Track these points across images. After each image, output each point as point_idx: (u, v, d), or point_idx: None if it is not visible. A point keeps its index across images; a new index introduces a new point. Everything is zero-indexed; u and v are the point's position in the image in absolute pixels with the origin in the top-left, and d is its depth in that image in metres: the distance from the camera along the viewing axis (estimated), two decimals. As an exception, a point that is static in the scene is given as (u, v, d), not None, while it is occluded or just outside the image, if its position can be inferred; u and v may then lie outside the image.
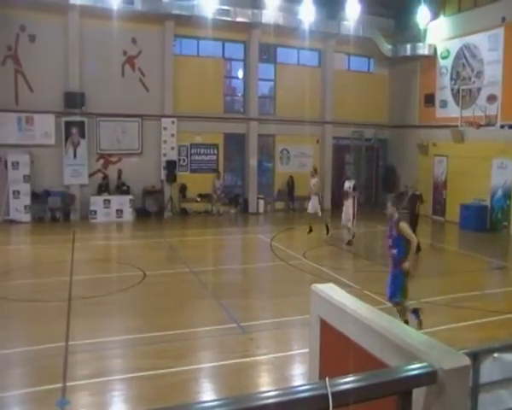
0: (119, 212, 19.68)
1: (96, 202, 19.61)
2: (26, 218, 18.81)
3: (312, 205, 16.90)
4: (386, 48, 23.70)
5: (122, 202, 19.81)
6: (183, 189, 21.59)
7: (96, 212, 19.48)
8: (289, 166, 23.82)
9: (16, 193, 18.81)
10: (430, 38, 22.67)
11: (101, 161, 20.68)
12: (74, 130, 19.90)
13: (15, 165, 18.81)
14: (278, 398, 1.83)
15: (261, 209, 22.74)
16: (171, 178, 20.84)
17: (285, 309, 9.77)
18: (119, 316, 9.40)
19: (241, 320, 8.93)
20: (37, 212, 19.15)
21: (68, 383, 6.58)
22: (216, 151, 22.50)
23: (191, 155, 22.10)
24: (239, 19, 21.29)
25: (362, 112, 23.74)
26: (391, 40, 23.86)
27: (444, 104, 21.94)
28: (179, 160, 21.64)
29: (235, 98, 24.13)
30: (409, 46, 22.94)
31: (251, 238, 18.05)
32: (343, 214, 15.98)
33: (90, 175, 20.25)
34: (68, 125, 19.82)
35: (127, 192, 20.18)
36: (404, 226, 7.94)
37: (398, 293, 8.02)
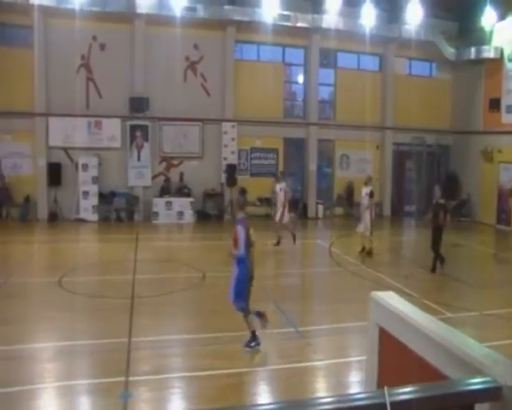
0: (180, 214, 20.15)
1: (159, 204, 20.16)
2: (94, 217, 19.62)
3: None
4: (449, 51, 23.10)
5: (183, 204, 20.27)
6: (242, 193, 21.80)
7: (158, 213, 20.04)
8: (349, 171, 23.62)
9: (85, 193, 19.68)
10: (496, 40, 21.90)
11: (164, 163, 21.25)
12: (138, 133, 20.56)
13: (85, 167, 19.69)
14: (335, 405, 1.81)
15: (320, 214, 22.67)
16: (232, 181, 21.12)
17: (343, 315, 9.73)
18: (178, 316, 9.67)
19: (298, 325, 8.97)
20: (103, 212, 19.94)
21: (131, 378, 6.83)
22: (275, 156, 22.64)
23: (251, 159, 22.33)
24: (299, 24, 21.35)
25: (423, 117, 23.22)
26: (454, 43, 23.22)
27: (511, 109, 21.14)
28: (239, 164, 21.90)
29: (295, 103, 24.19)
30: (473, 49, 22.25)
31: (309, 243, 18.03)
32: (361, 221, 15.07)
33: (153, 177, 20.84)
34: (133, 128, 20.51)
35: (188, 195, 20.64)
36: (238, 230, 7.71)
37: (237, 298, 7.88)
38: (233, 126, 21.52)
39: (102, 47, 20.30)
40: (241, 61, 21.94)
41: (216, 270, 12.67)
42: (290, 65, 23.48)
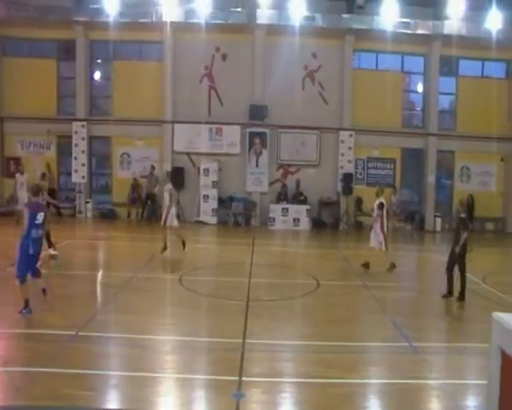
0: (296, 221, 20.39)
1: (275, 210, 20.56)
2: (213, 220, 20.52)
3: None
4: None
5: (299, 211, 20.50)
6: (358, 202, 21.60)
7: (274, 219, 20.45)
8: (469, 184, 22.48)
9: (206, 197, 20.66)
10: None
11: (281, 170, 21.65)
12: (257, 140, 21.15)
13: (206, 172, 20.68)
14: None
15: (438, 227, 21.78)
16: (348, 190, 20.99)
17: (461, 334, 9.32)
18: (292, 321, 9.81)
19: (413, 340, 8.72)
20: (222, 216, 20.78)
21: (244, 378, 7.05)
22: (393, 166, 22.12)
23: (368, 168, 22.02)
24: (419, 31, 20.75)
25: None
26: None
27: None
28: (356, 173, 21.70)
29: (414, 113, 23.51)
30: None
31: (426, 257, 17.42)
32: (372, 235, 14.11)
33: (270, 184, 21.31)
34: (252, 135, 21.15)
35: (304, 202, 20.83)
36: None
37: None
38: (350, 135, 21.38)
39: (224, 57, 21.23)
40: (358, 70, 21.77)
41: (331, 278, 12.72)
42: (409, 73, 22.89)
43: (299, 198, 20.90)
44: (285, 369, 7.73)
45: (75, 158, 21.70)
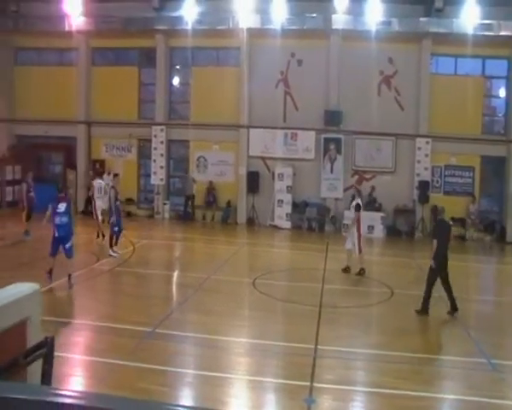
0: (371, 228, 20.08)
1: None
2: (287, 225, 20.65)
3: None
4: None
5: (374, 218, 20.17)
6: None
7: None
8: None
9: (280, 202, 20.84)
10: None
11: (356, 177, 21.41)
12: (332, 146, 21.05)
13: (280, 176, 20.86)
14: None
15: (520, 239, 20.71)
16: (424, 198, 20.45)
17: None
18: (365, 329, 9.71)
19: (492, 356, 8.38)
20: (295, 220, 20.85)
21: (315, 384, 7.08)
22: (472, 174, 21.28)
23: (445, 176, 21.34)
24: (503, 32, 19.64)
25: None
26: None
27: None
28: (432, 180, 21.08)
29: (495, 119, 22.44)
30: None
31: (507, 269, 16.64)
32: (348, 237, 13.74)
33: (345, 190, 21.11)
34: (327, 141, 21.07)
35: (379, 209, 20.50)
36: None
37: None
38: (427, 142, 20.81)
39: (300, 63, 21.30)
40: (436, 75, 21.10)
41: (405, 288, 12.45)
42: (491, 77, 21.84)
43: (373, 205, 20.59)
44: (356, 377, 7.70)
45: (154, 161, 22.52)
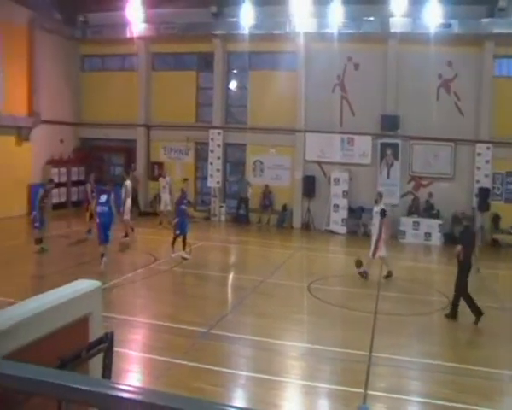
0: (428, 235, 19.62)
1: (406, 223, 19.97)
2: (342, 230, 20.48)
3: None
4: None
5: (431, 225, 19.69)
6: (496, 219, 20.22)
7: (404, 232, 19.86)
8: None
9: (336, 207, 20.70)
10: None
11: (413, 183, 20.97)
12: (389, 151, 20.70)
13: (337, 181, 20.73)
14: None
15: None
16: (484, 206, 19.75)
17: None
18: (420, 338, 9.51)
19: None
20: (351, 226, 20.64)
21: (369, 392, 7.01)
22: (535, 181, 20.36)
23: (507, 183, 20.52)
24: None
25: None
26: None
27: None
28: (493, 188, 20.32)
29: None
30: None
31: None
32: (371, 243, 13.39)
33: (402, 196, 20.72)
34: (383, 146, 20.74)
35: (436, 216, 19.98)
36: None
37: None
38: (488, 148, 20.07)
39: (356, 67, 21.09)
40: (499, 78, 20.31)
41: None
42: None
43: (430, 212, 20.08)
44: (411, 387, 7.56)
45: (211, 163, 22.86)
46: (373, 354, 8.29)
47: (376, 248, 13.12)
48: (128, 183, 17.52)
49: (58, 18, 23.71)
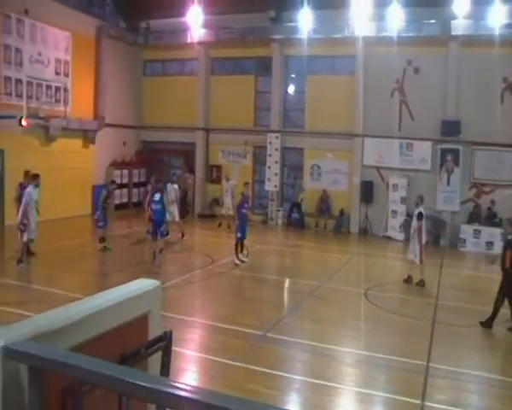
0: (489, 244, 18.92)
1: (466, 231, 19.35)
2: (400, 236, 20.06)
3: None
4: None
5: (493, 234, 18.94)
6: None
7: (465, 240, 19.26)
8: None
9: (394, 212, 20.33)
10: None
11: (474, 190, 20.28)
12: (449, 157, 20.12)
13: (395, 187, 20.36)
14: None
15: None
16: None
17: None
18: (479, 350, 9.27)
19: None
20: (409, 232, 20.13)
21: (426, 403, 6.86)
22: None
23: None
24: None
25: None
26: None
27: None
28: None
29: None
30: None
31: None
32: (410, 246, 13.33)
33: (462, 203, 20.10)
34: (444, 152, 20.17)
35: (498, 224, 19.20)
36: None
37: None
38: (554, 155, 19.14)
39: (416, 70, 20.64)
40: None
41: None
42: None
43: (492, 220, 19.34)
44: (470, 401, 7.35)
45: (269, 167, 22.96)
46: (431, 364, 8.09)
47: (421, 253, 12.99)
48: (175, 187, 17.80)
49: (122, 25, 24.65)
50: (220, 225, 20.22)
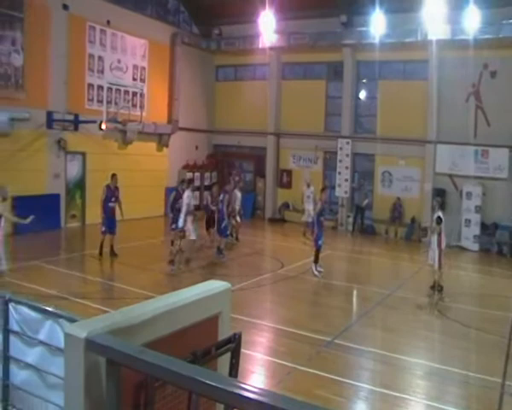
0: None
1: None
2: (474, 247, 19.31)
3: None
4: None
5: None
6: None
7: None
8: None
9: (467, 222, 19.58)
10: None
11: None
12: (525, 166, 19.13)
13: (469, 195, 19.60)
14: None
15: None
16: None
17: None
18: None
19: None
20: (484, 243, 19.38)
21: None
22: None
23: None
24: None
25: None
26: None
27: None
28: None
29: None
30: None
31: None
32: (430, 251, 12.87)
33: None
34: (523, 161, 19.20)
35: None
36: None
37: None
38: None
39: (493, 74, 19.75)
40: None
41: None
42: None
43: None
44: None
45: (339, 173, 22.74)
46: (507, 382, 7.71)
47: (440, 257, 12.61)
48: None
49: (195, 32, 25.29)
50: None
